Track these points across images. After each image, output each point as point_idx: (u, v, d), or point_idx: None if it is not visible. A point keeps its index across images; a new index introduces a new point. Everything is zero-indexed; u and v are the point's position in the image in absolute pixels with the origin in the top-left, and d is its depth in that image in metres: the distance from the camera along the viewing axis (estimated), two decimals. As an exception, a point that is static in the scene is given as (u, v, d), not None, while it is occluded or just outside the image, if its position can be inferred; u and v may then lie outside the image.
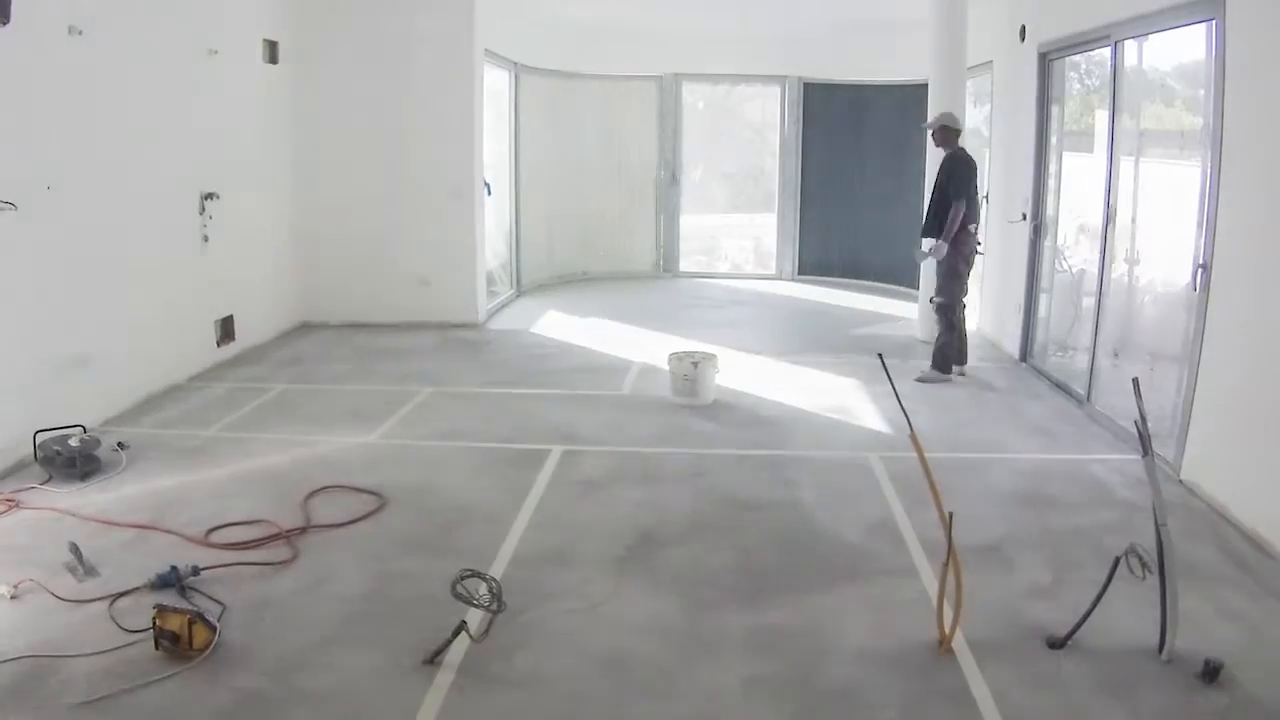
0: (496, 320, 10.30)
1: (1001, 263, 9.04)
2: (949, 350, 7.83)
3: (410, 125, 9.53)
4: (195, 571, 4.22)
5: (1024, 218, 8.27)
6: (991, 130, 9.59)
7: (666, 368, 7.33)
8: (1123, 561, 3.63)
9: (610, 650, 3.76)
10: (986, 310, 9.52)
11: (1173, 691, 3.47)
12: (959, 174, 7.72)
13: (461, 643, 3.68)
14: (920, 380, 7.66)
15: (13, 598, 4.04)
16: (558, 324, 10.15)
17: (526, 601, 4.06)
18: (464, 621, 3.70)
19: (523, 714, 3.36)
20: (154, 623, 3.66)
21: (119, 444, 5.80)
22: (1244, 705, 3.39)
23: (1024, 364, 8.37)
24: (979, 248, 8.08)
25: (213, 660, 3.58)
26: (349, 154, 9.57)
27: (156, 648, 3.64)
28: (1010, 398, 7.38)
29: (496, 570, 4.35)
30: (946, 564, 3.67)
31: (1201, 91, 5.86)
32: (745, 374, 7.89)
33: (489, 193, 10.24)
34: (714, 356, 7.30)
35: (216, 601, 4.03)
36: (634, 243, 13.36)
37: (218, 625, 3.76)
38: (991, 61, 9.28)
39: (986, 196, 9.43)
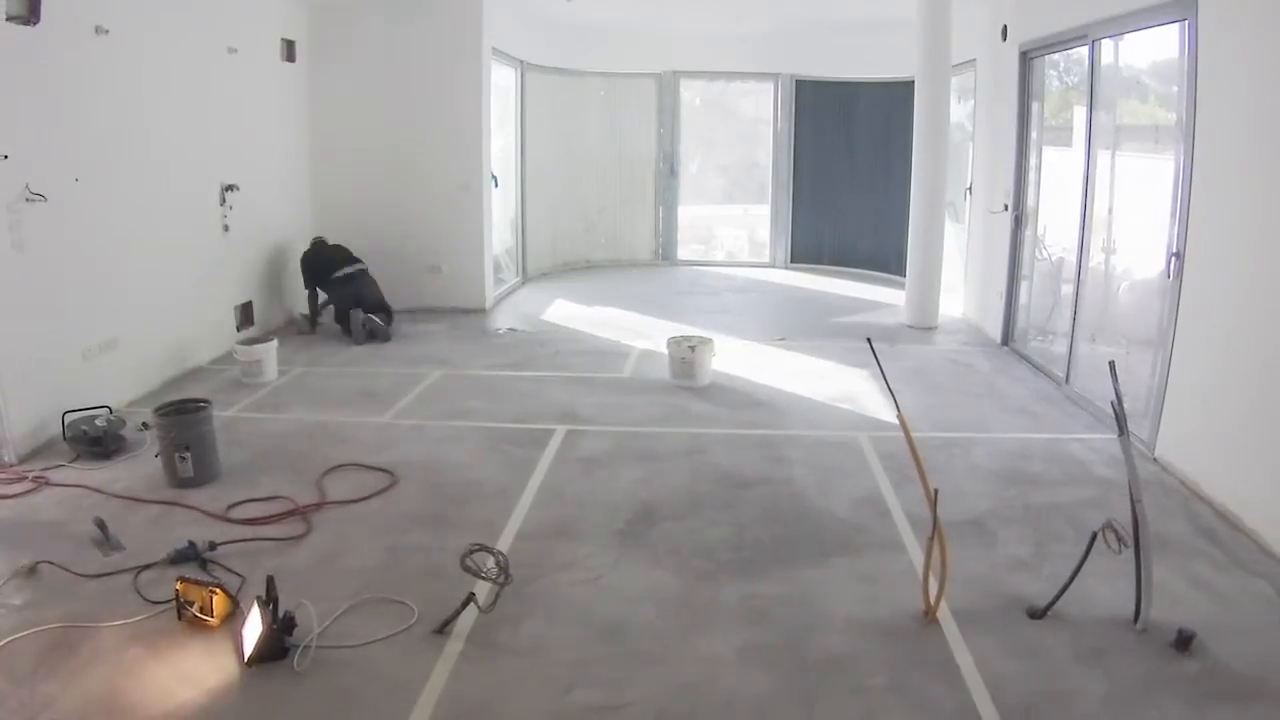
0: (503, 306, 10.26)
1: (984, 251, 9.02)
2: None
3: (421, 120, 9.48)
4: (212, 546, 4.21)
5: (1005, 208, 8.23)
6: (975, 125, 9.54)
7: (665, 351, 7.31)
8: (1100, 536, 3.61)
9: (611, 620, 3.75)
10: (970, 296, 9.50)
11: (1147, 659, 3.46)
12: None
13: (470, 613, 3.67)
14: None
15: (30, 571, 4.02)
16: (561, 310, 10.11)
17: (532, 573, 4.05)
18: (472, 593, 3.70)
19: (528, 681, 3.35)
20: (177, 594, 3.65)
21: (143, 424, 5.77)
22: (1214, 672, 3.38)
23: (1005, 348, 8.35)
24: None
25: (233, 630, 3.56)
26: (362, 147, 9.53)
27: (179, 618, 3.64)
28: (993, 379, 7.36)
29: (503, 544, 4.34)
30: (932, 538, 3.65)
31: (1175, 88, 5.81)
32: (740, 358, 7.87)
33: (496, 184, 10.20)
34: (710, 341, 7.27)
35: (236, 574, 4.02)
36: (634, 232, 13.31)
37: (238, 597, 3.75)
38: (975, 59, 9.22)
39: (970, 189, 9.42)
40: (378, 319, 8.54)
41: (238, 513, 4.70)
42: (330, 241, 9.00)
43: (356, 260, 8.81)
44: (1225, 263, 4.90)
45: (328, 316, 8.75)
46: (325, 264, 8.74)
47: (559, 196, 12.29)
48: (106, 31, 6.05)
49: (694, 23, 11.95)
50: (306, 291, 8.82)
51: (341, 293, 8.59)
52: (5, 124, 5.25)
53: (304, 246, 8.94)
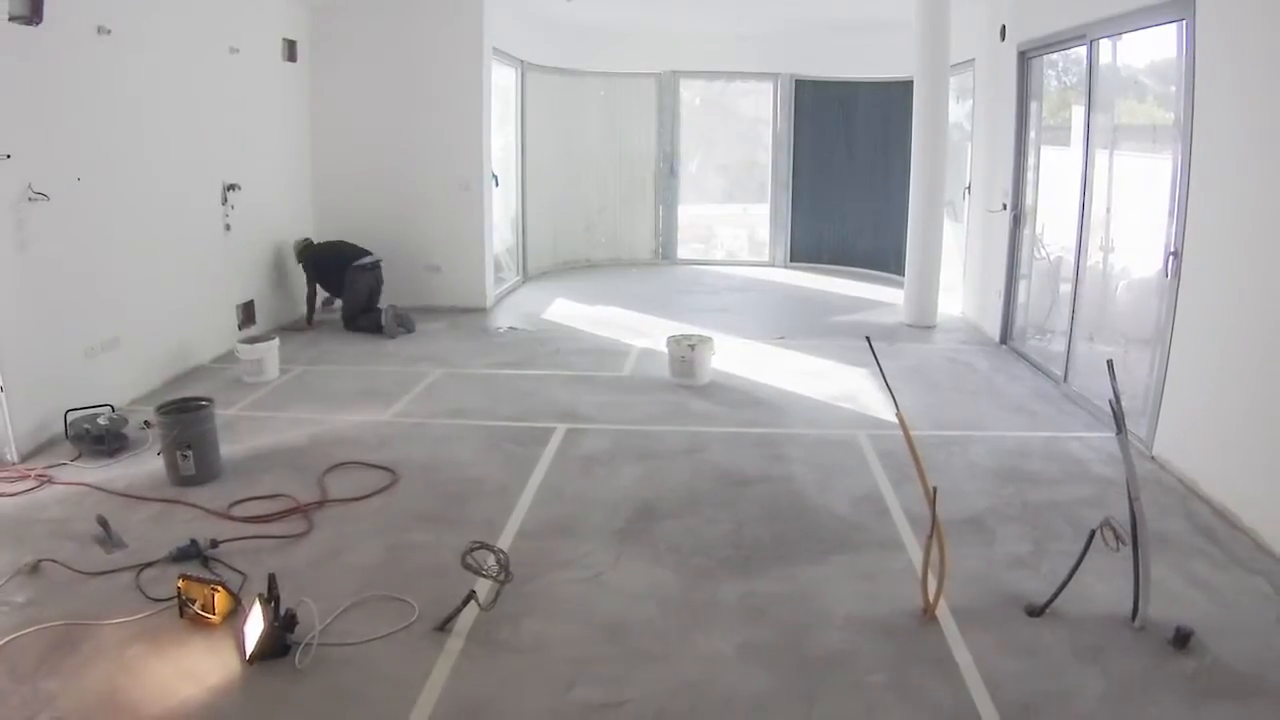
0: (504, 305, 10.26)
1: (983, 250, 9.01)
2: None
3: (422, 120, 9.47)
4: (214, 544, 4.20)
5: (1004, 207, 8.22)
6: (973, 125, 9.53)
7: (665, 350, 7.31)
8: (1098, 534, 3.61)
9: (611, 617, 3.75)
10: (969, 295, 9.49)
11: (1145, 656, 3.45)
12: None
13: (471, 611, 3.67)
14: None
15: (33, 568, 4.02)
16: (562, 308, 10.11)
17: (532, 571, 4.05)
18: (473, 591, 3.69)
19: (529, 678, 3.35)
20: (179, 592, 3.65)
21: (145, 422, 5.77)
22: (1212, 669, 3.37)
23: (1004, 346, 8.34)
24: None
25: (234, 627, 3.56)
26: (364, 147, 9.53)
27: (181, 615, 3.64)
28: (991, 378, 7.35)
29: (503, 542, 4.33)
30: (931, 536, 3.65)
31: (1172, 88, 5.81)
32: (740, 356, 7.86)
33: (497, 184, 10.19)
34: (710, 339, 7.27)
35: (238, 572, 4.01)
36: (634, 231, 13.31)
37: (239, 595, 3.75)
38: (973, 59, 9.21)
39: (969, 188, 9.42)
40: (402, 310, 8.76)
41: (239, 511, 4.70)
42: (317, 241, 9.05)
43: (368, 251, 8.92)
44: (1223, 261, 4.89)
45: (324, 314, 8.78)
46: (338, 257, 8.80)
47: (559, 196, 12.29)
48: (108, 32, 6.04)
49: (694, 23, 11.95)
50: (307, 289, 8.87)
51: (359, 285, 8.73)
52: (8, 124, 5.25)
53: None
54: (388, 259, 9.08)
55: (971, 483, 5.15)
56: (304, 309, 8.96)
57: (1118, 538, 3.55)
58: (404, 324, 8.69)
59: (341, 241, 9.02)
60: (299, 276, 8.88)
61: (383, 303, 8.88)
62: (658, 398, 6.76)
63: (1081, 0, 6.58)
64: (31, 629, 3.56)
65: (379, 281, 8.95)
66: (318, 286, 8.90)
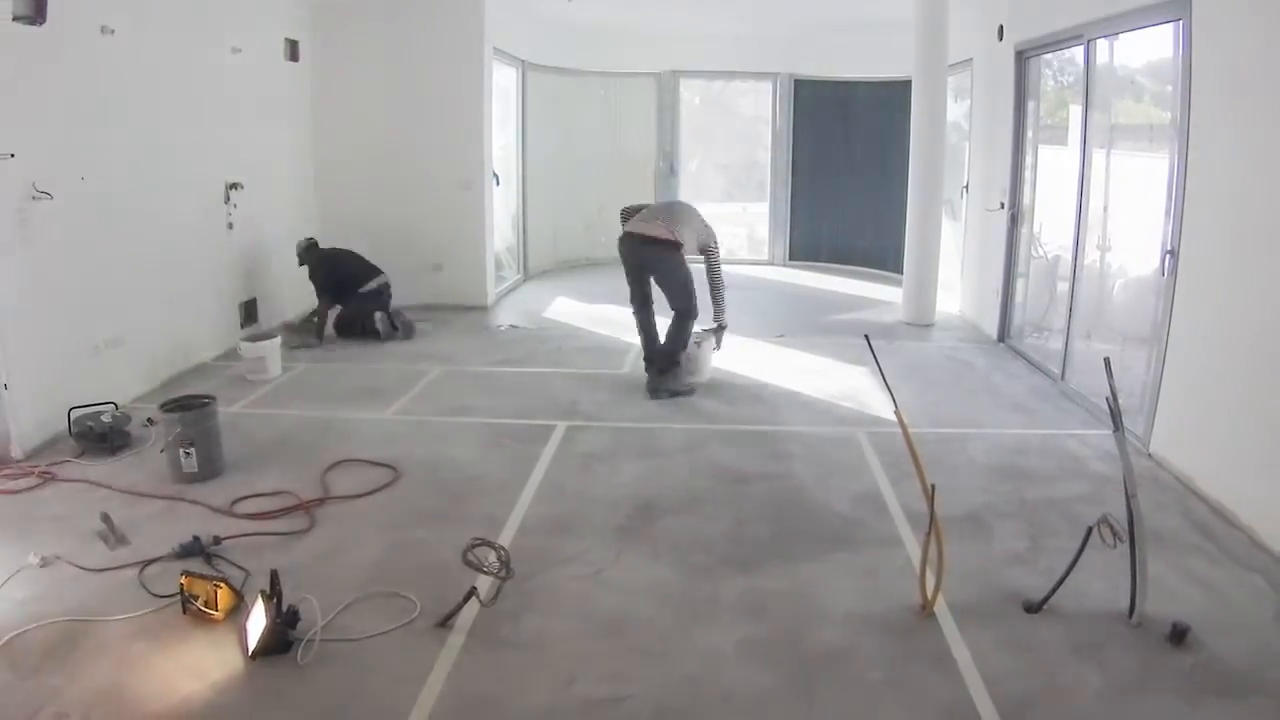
0: (504, 303, 10.26)
1: (980, 248, 9.01)
2: None
3: (423, 119, 9.47)
4: (216, 541, 4.20)
5: (1002, 206, 8.22)
6: (971, 124, 9.52)
7: (665, 348, 7.29)
8: (1095, 530, 3.61)
9: (611, 614, 3.74)
10: (967, 293, 9.48)
11: (1142, 652, 3.45)
12: None
13: (472, 607, 3.67)
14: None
15: (42, 565, 4.02)
16: (562, 306, 10.10)
17: (533, 568, 4.04)
18: (474, 587, 3.69)
19: (530, 674, 3.34)
20: (181, 588, 3.65)
21: (149, 420, 5.76)
22: (1208, 665, 3.37)
23: (1002, 344, 8.34)
24: None
25: (237, 624, 3.55)
26: (366, 146, 9.52)
27: (184, 612, 3.63)
28: (989, 376, 7.34)
29: (504, 539, 4.33)
30: (929, 533, 3.64)
31: (1169, 88, 5.80)
32: (739, 354, 7.86)
33: (498, 183, 10.19)
34: (710, 337, 7.25)
35: (241, 568, 4.01)
36: (634, 230, 13.27)
37: (242, 591, 3.74)
38: (971, 59, 9.20)
39: (966, 187, 9.41)
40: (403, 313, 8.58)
41: (242, 508, 4.70)
42: (323, 245, 8.60)
43: (380, 271, 8.59)
44: (1219, 260, 4.89)
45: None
46: (347, 277, 8.45)
47: (560, 195, 12.27)
48: (112, 31, 6.04)
49: (694, 23, 11.93)
50: (320, 303, 8.39)
51: (365, 307, 8.39)
52: (11, 123, 5.24)
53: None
54: (389, 258, 9.05)
55: (969, 480, 5.15)
56: (303, 310, 8.65)
57: (1115, 534, 3.55)
58: (405, 328, 8.57)
59: (352, 253, 8.63)
60: (303, 271, 8.54)
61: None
62: (658, 395, 6.75)
63: (1078, 0, 6.58)
64: (35, 625, 3.56)
65: (388, 302, 8.58)
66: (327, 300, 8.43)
